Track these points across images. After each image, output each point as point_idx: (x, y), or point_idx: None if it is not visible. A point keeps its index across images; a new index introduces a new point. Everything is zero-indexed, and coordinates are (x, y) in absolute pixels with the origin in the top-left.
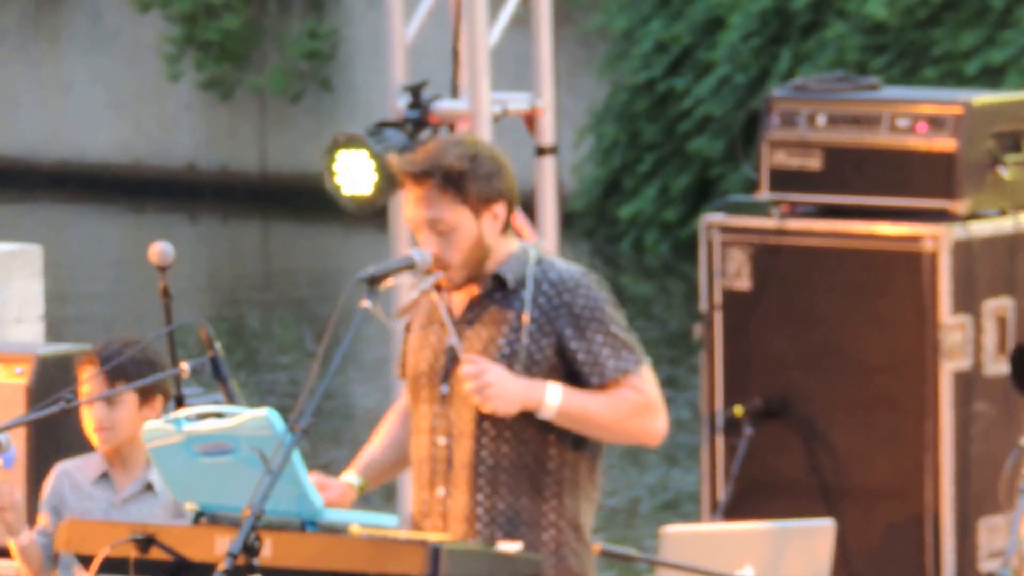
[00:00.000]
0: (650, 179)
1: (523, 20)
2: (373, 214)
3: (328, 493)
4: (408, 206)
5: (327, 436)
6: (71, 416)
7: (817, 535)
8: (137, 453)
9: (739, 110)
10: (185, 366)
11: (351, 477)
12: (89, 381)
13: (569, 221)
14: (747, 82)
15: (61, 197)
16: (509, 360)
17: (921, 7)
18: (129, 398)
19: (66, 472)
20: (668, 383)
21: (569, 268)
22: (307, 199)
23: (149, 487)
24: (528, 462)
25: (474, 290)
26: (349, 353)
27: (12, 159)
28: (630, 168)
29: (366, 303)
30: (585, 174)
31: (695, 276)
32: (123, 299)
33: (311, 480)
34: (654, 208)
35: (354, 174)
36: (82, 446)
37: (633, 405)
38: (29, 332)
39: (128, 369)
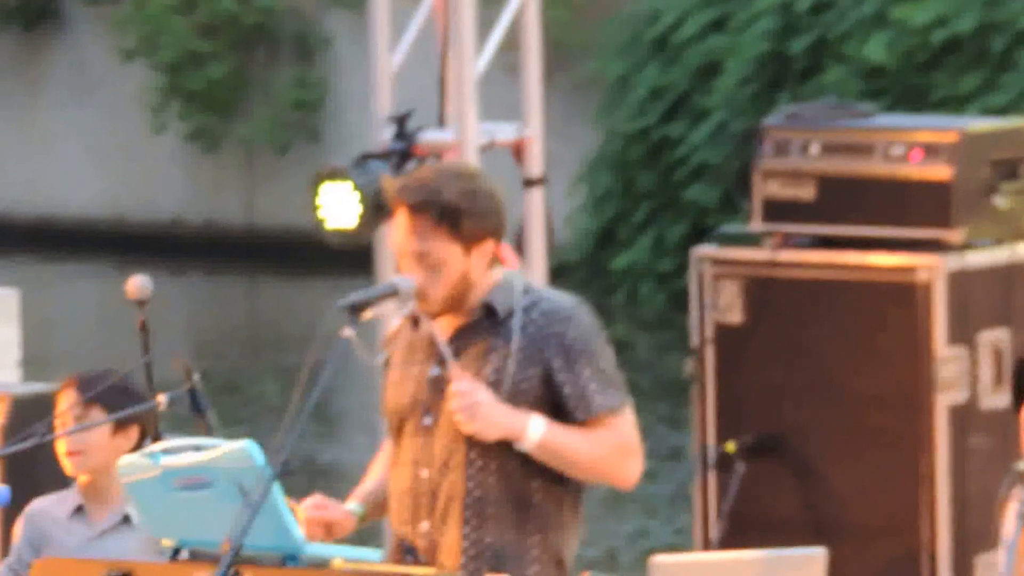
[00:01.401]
0: (645, 229)
1: (513, 43)
2: (361, 266)
3: (329, 512)
4: (397, 233)
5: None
6: (46, 452)
7: (809, 563)
8: (113, 485)
9: (736, 158)
10: (162, 398)
11: (351, 506)
12: (65, 402)
13: (561, 273)
14: (744, 129)
15: (41, 252)
16: (494, 388)
17: (920, 50)
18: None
19: (42, 510)
20: (649, 433)
21: (560, 298)
22: (295, 253)
23: (126, 519)
24: (513, 495)
25: (460, 319)
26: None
27: None
28: (624, 218)
29: (348, 332)
30: (578, 224)
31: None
32: (105, 355)
33: (312, 501)
34: (649, 259)
35: (338, 207)
36: (59, 483)
37: (612, 447)
38: (6, 377)
39: (104, 395)
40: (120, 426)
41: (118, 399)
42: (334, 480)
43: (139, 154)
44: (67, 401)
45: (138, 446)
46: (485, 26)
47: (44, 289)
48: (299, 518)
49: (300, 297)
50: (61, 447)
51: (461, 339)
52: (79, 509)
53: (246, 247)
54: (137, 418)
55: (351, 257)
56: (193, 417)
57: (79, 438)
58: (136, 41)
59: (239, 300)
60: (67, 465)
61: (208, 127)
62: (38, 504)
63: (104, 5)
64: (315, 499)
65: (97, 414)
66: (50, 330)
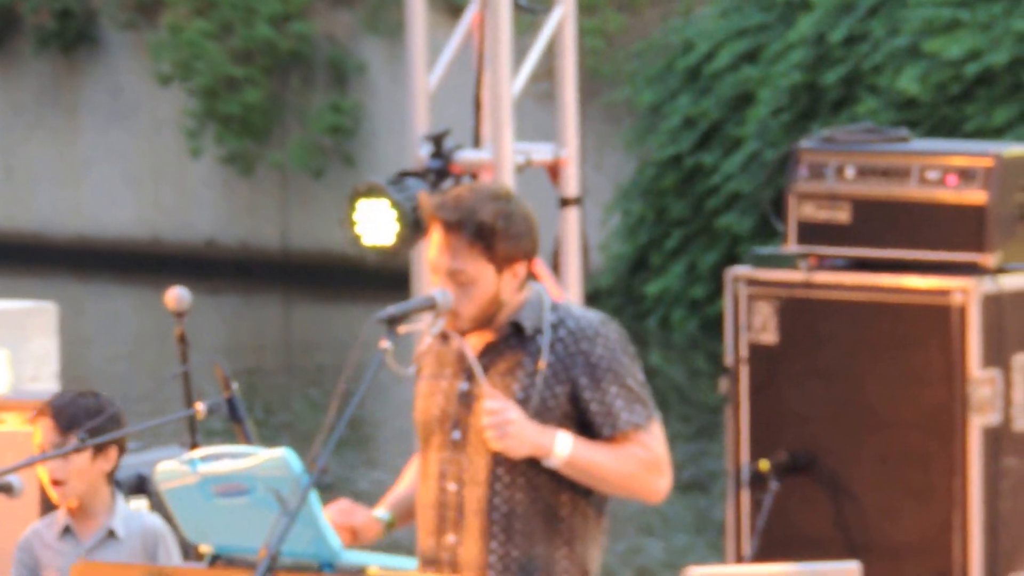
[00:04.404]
0: (677, 256)
1: (547, 71)
2: (395, 288)
3: (355, 517)
4: (432, 250)
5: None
6: None
7: None
8: (97, 503)
9: (769, 184)
10: (201, 407)
11: (379, 512)
12: (42, 433)
13: (595, 299)
14: (778, 155)
15: (78, 271)
16: (522, 405)
17: (954, 83)
18: (81, 451)
19: (36, 532)
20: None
21: (587, 315)
22: (329, 275)
23: (111, 534)
24: (541, 509)
25: (488, 336)
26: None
27: (30, 234)
28: (657, 245)
29: (386, 343)
30: (611, 251)
31: (722, 353)
32: (139, 372)
33: (339, 506)
34: (681, 285)
35: (375, 224)
36: None
37: (640, 462)
38: (45, 388)
39: (81, 420)
40: (99, 449)
41: (95, 421)
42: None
43: (175, 177)
44: (43, 429)
45: (117, 463)
46: (520, 53)
47: (81, 308)
48: None
49: (334, 319)
50: (44, 476)
51: (489, 356)
52: (67, 530)
53: (281, 270)
54: (114, 438)
55: (385, 279)
56: (231, 426)
57: (60, 467)
58: (172, 66)
59: (274, 321)
60: (52, 494)
61: (243, 151)
62: (31, 529)
63: (140, 30)
64: (341, 504)
65: (75, 440)
66: (86, 347)
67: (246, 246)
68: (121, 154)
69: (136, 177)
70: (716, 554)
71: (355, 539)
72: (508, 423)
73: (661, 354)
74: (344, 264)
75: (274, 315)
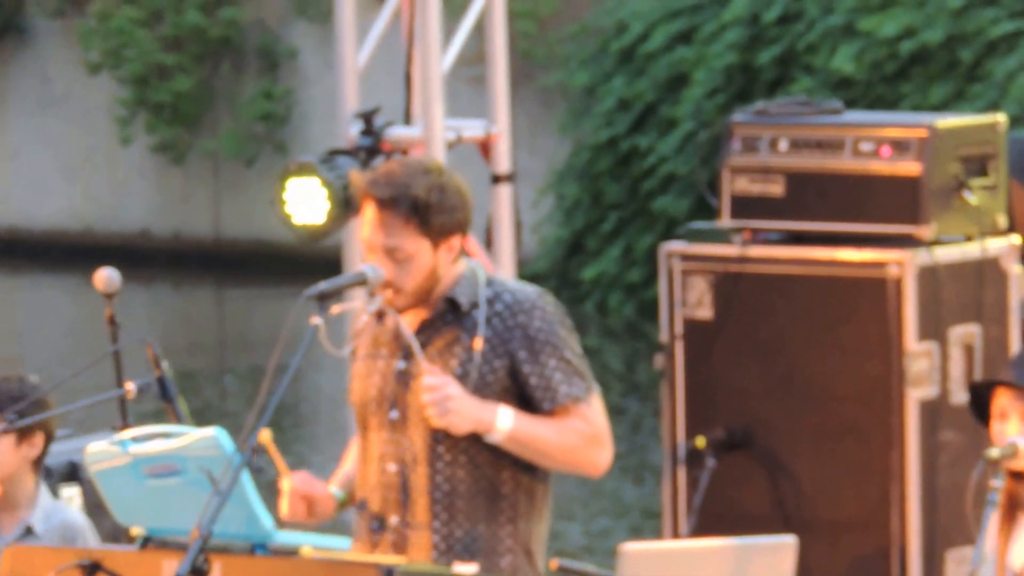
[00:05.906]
0: (614, 239)
1: (479, 55)
2: (329, 275)
3: (315, 488)
4: (366, 227)
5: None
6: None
7: (779, 551)
8: (20, 493)
9: (704, 164)
10: (131, 386)
11: (333, 489)
12: None
13: (531, 283)
14: (711, 134)
15: (9, 263)
16: (461, 381)
17: (889, 61)
18: (5, 436)
19: None
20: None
21: (524, 289)
22: (262, 264)
23: (29, 531)
24: (484, 487)
25: (423, 313)
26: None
27: None
28: (593, 228)
29: (316, 320)
30: (547, 235)
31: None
32: (72, 363)
33: (300, 476)
34: (618, 269)
35: (306, 203)
36: None
37: (581, 435)
38: None
39: (3, 405)
40: (24, 435)
41: (16, 405)
42: None
43: (106, 166)
44: None
45: (44, 451)
46: (450, 34)
47: (12, 299)
48: (285, 488)
49: (267, 307)
50: None
51: (426, 333)
52: None
53: (213, 258)
54: (40, 424)
55: (318, 266)
56: (162, 406)
57: None
58: (102, 54)
59: (207, 311)
60: None
61: (175, 139)
62: None
63: (69, 18)
64: (303, 474)
65: None
66: (18, 339)
67: (178, 235)
68: (51, 144)
69: (67, 167)
70: (636, 537)
71: (311, 511)
72: (448, 399)
73: (597, 338)
74: (277, 252)
75: (206, 303)
